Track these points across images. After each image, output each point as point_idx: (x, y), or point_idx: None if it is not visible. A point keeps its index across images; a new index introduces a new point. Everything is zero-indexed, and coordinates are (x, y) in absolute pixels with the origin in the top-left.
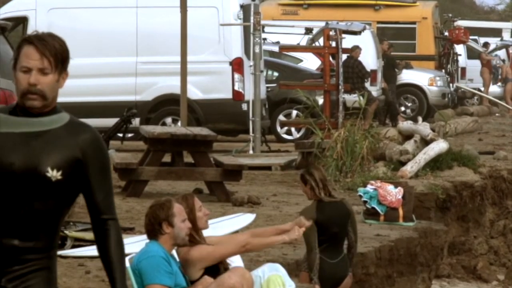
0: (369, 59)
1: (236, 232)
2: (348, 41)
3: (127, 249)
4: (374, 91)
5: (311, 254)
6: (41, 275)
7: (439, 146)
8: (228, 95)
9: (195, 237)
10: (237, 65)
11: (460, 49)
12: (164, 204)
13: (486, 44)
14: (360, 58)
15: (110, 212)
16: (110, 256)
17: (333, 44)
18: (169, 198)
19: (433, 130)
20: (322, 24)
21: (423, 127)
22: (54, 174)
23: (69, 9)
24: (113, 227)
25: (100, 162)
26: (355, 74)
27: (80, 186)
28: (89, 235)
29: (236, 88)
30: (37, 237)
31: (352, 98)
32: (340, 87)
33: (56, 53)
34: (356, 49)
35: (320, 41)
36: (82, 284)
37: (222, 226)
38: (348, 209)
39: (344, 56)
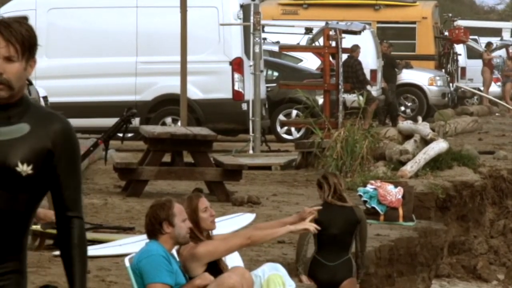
0: (369, 59)
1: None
2: (348, 41)
3: (127, 249)
4: (374, 91)
5: (299, 244)
6: (10, 278)
7: (439, 145)
8: (228, 95)
9: (199, 237)
10: (237, 65)
11: (460, 48)
12: (165, 204)
13: (489, 44)
14: (360, 58)
15: (77, 210)
16: (72, 256)
17: (333, 44)
18: (169, 198)
19: (433, 129)
20: (322, 24)
21: (423, 127)
22: (24, 168)
23: (69, 9)
24: (77, 225)
25: (70, 155)
26: (354, 74)
27: (48, 180)
28: (89, 235)
29: (236, 88)
30: (5, 238)
31: (351, 98)
32: (340, 86)
33: (23, 40)
34: (356, 48)
35: (320, 41)
36: None
37: (222, 226)
38: (358, 217)
39: (344, 56)
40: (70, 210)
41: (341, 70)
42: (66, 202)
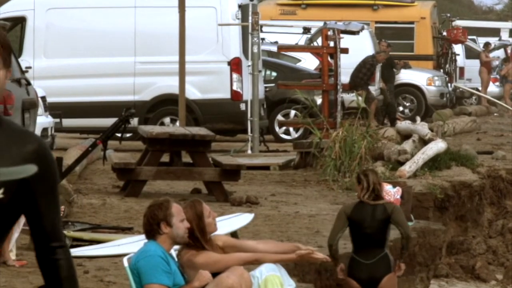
0: None
1: (236, 232)
2: (346, 41)
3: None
4: (373, 91)
5: (330, 236)
6: None
7: (438, 146)
8: (227, 95)
9: (203, 244)
10: (235, 65)
11: (458, 49)
12: (162, 204)
13: (487, 44)
14: (359, 58)
15: (60, 239)
16: None
17: (331, 44)
18: (167, 198)
19: (431, 130)
20: (320, 24)
21: (422, 127)
22: None
23: (68, 9)
24: (64, 256)
25: (49, 179)
26: (364, 72)
27: (23, 207)
28: (88, 235)
29: (234, 88)
30: None
31: (350, 98)
32: (338, 86)
33: (3, 47)
34: (381, 54)
35: (319, 41)
36: (80, 284)
37: (220, 226)
38: (388, 212)
39: (343, 56)
40: (53, 240)
41: (339, 70)
42: (47, 231)
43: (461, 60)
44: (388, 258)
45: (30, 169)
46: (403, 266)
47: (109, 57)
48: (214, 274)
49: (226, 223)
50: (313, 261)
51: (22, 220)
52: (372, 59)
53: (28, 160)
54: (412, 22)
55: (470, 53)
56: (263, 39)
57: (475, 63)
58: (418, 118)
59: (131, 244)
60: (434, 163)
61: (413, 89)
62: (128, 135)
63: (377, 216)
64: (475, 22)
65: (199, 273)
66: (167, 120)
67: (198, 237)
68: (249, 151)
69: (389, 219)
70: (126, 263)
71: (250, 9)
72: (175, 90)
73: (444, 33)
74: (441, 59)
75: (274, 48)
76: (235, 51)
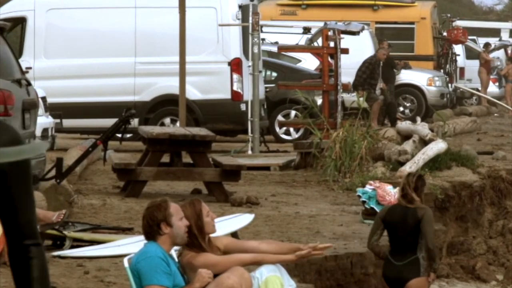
0: None
1: (236, 232)
2: (346, 42)
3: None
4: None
5: (368, 239)
6: None
7: (438, 146)
8: (227, 95)
9: (201, 244)
10: (235, 66)
11: (458, 49)
12: (161, 204)
13: (487, 45)
14: (359, 58)
15: (34, 236)
16: None
17: (332, 44)
18: (164, 198)
19: (431, 130)
20: (321, 24)
21: (422, 127)
22: None
23: (68, 9)
24: (37, 255)
25: (25, 173)
26: (363, 71)
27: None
28: (88, 236)
29: (234, 88)
30: None
31: (351, 98)
32: (338, 87)
33: None
34: (381, 50)
35: (319, 41)
36: (80, 284)
37: (221, 227)
38: (419, 217)
39: (343, 56)
40: (28, 238)
41: (340, 70)
42: (22, 228)
43: (461, 60)
44: (418, 263)
45: (42, 145)
46: (432, 276)
47: (110, 57)
48: (214, 276)
49: (227, 224)
50: (317, 255)
51: None
52: (371, 58)
53: None
54: (412, 23)
55: (471, 54)
56: (263, 39)
57: (476, 64)
58: (418, 119)
59: (131, 245)
60: (435, 164)
61: (414, 90)
62: (128, 135)
63: (408, 219)
64: (476, 23)
65: (198, 273)
66: (167, 120)
67: (196, 234)
68: (250, 152)
69: (420, 223)
70: (126, 264)
71: (251, 9)
72: (176, 90)
73: (445, 34)
74: (442, 60)
75: (274, 49)
76: (236, 51)
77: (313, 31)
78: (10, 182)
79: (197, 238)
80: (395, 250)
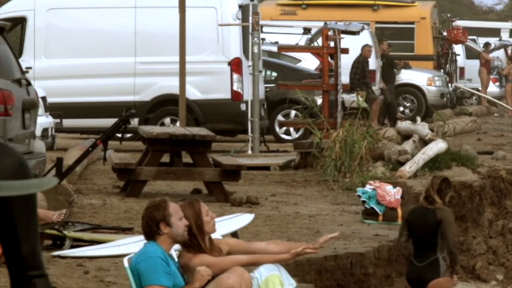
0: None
1: (236, 232)
2: (346, 41)
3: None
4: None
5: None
6: None
7: (438, 146)
8: (227, 95)
9: (200, 244)
10: (235, 65)
11: (458, 49)
12: (160, 204)
13: (487, 44)
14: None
15: (39, 266)
16: None
17: (332, 44)
18: (163, 198)
19: (431, 130)
20: (321, 24)
21: (422, 127)
22: None
23: (68, 9)
24: (42, 287)
25: (29, 199)
26: (355, 72)
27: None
28: (88, 236)
29: (234, 88)
30: None
31: (350, 98)
32: (338, 87)
33: None
34: (365, 47)
35: (319, 41)
36: (80, 284)
37: (221, 226)
38: (438, 218)
39: (343, 56)
40: (31, 268)
41: (340, 70)
42: (25, 258)
43: (461, 60)
44: (437, 263)
45: (50, 181)
46: (454, 278)
47: (110, 57)
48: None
49: (227, 224)
50: (314, 253)
51: None
52: (358, 57)
53: (5, 176)
54: (412, 22)
55: (471, 53)
56: (263, 39)
57: (476, 64)
58: (418, 118)
59: (131, 245)
60: (435, 163)
61: (414, 89)
62: (128, 135)
63: (427, 220)
64: (476, 22)
65: (197, 272)
66: (167, 120)
67: (196, 234)
68: (250, 152)
69: (439, 225)
70: (126, 264)
71: (251, 9)
72: (176, 90)
73: (445, 33)
74: (442, 59)
75: (274, 49)
76: (236, 51)
77: (313, 31)
78: (13, 209)
79: (196, 238)
80: (417, 251)
